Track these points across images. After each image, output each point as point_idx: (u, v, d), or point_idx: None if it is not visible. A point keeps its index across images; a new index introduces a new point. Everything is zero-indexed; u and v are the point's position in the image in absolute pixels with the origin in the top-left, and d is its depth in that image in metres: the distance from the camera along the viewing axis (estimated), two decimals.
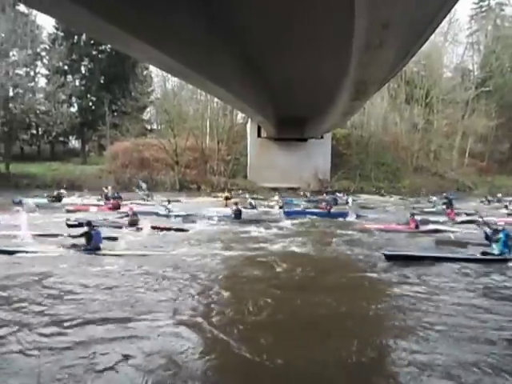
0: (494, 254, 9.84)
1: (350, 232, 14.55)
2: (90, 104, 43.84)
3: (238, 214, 16.45)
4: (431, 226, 14.93)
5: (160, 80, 41.54)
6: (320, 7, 11.34)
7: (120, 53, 38.85)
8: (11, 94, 35.76)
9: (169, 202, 19.19)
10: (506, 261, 9.63)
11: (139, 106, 43.25)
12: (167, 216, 16.89)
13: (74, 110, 42.66)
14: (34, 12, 37.08)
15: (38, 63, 41.03)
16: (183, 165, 36.19)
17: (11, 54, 36.07)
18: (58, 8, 8.50)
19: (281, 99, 24.59)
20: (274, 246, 11.64)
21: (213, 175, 36.25)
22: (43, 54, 41.22)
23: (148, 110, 48.65)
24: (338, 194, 28.35)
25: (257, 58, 17.03)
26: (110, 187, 24.85)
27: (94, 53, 43.64)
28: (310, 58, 15.82)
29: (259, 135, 35.80)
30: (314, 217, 18.45)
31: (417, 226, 14.29)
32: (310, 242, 12.33)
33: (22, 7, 35.69)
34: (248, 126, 36.91)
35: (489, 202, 26.09)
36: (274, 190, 30.00)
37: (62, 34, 41.46)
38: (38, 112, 36.62)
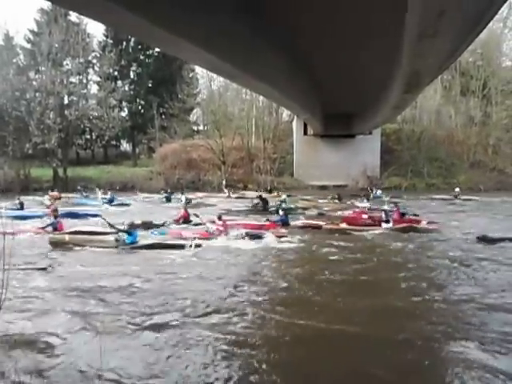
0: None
1: None
2: (140, 108, 45.25)
3: None
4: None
5: (206, 81, 41.92)
6: None
7: (166, 56, 39.75)
8: (66, 101, 37.32)
9: None
10: None
11: (186, 108, 44.05)
12: None
13: (124, 114, 44.13)
14: (85, 21, 38.67)
15: (90, 70, 42.57)
16: (230, 164, 36.36)
17: (65, 63, 37.65)
18: (109, 14, 8.62)
19: (328, 94, 24.03)
20: None
21: (259, 174, 36.12)
22: (94, 61, 42.70)
23: (195, 111, 49.32)
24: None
25: (304, 53, 16.65)
26: None
27: (142, 58, 44.85)
28: (359, 50, 15.27)
29: (305, 133, 35.33)
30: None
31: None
32: None
33: (73, 17, 37.19)
34: (294, 123, 36.52)
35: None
36: (322, 188, 29.39)
37: (111, 41, 42.87)
38: (91, 117, 37.96)
